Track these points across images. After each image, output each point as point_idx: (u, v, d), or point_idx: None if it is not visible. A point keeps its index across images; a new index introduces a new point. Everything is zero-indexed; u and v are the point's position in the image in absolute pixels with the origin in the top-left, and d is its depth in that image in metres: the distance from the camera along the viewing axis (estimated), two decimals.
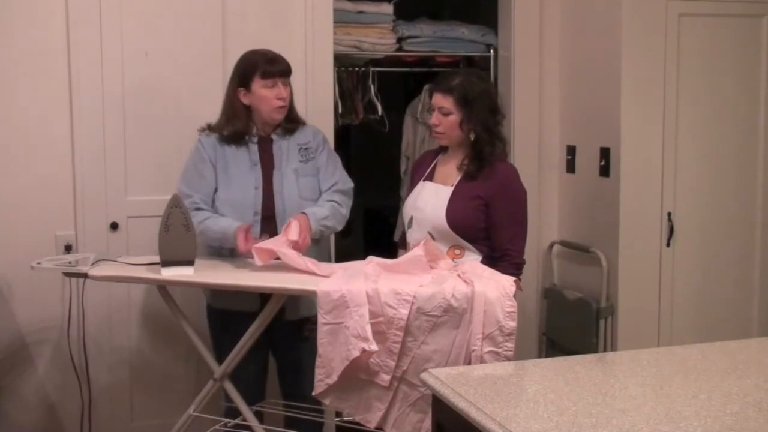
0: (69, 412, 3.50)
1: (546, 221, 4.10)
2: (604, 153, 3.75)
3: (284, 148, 3.13)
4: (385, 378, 2.62)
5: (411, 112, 4.55)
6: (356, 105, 4.35)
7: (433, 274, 2.75)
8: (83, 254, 3.21)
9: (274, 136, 3.14)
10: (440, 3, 4.77)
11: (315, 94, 3.64)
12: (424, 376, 2.05)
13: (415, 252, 2.84)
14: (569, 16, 4.03)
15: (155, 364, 3.61)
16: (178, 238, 2.85)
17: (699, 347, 2.25)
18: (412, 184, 3.15)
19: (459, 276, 2.70)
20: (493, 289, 2.58)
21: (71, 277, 3.06)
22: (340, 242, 3.40)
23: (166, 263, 2.86)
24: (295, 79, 3.18)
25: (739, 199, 3.87)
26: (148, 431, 3.58)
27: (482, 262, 2.90)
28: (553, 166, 4.11)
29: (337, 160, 3.25)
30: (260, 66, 3.05)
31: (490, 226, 2.92)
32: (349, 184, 3.23)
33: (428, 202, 2.98)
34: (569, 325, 3.93)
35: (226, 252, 3.07)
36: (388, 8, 4.12)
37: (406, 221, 3.06)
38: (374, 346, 2.56)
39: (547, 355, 4.04)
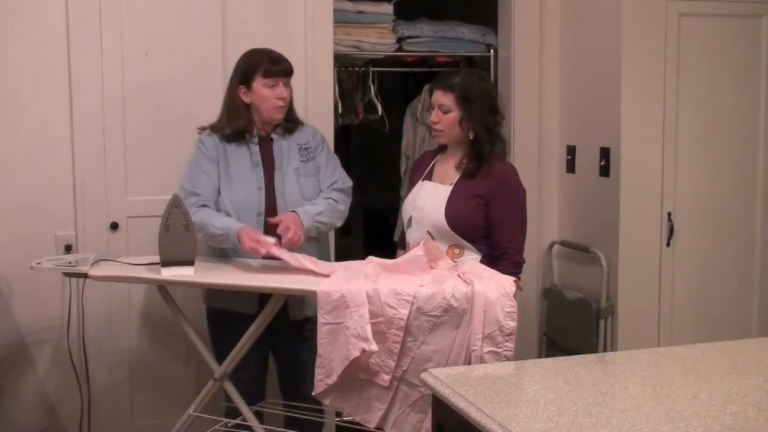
0: (69, 412, 3.50)
1: (546, 221, 4.10)
2: (604, 153, 3.75)
3: (284, 148, 3.13)
4: (385, 378, 2.62)
5: (411, 112, 4.54)
6: (356, 105, 4.35)
7: (433, 274, 2.75)
8: (83, 254, 3.21)
9: (274, 136, 3.14)
10: (440, 3, 4.76)
11: (315, 94, 3.64)
12: (424, 376, 2.05)
13: (415, 252, 2.84)
14: (569, 16, 4.03)
15: (155, 364, 3.61)
16: (178, 238, 2.85)
17: (699, 347, 2.25)
18: (412, 184, 3.15)
19: (459, 276, 2.70)
20: (493, 289, 2.58)
21: (71, 277, 3.06)
22: (340, 242, 3.40)
23: (166, 263, 2.86)
24: (295, 79, 3.18)
25: (739, 199, 3.87)
26: (148, 431, 3.58)
27: (482, 261, 2.90)
28: (553, 166, 4.11)
29: (336, 160, 3.26)
30: (263, 65, 3.05)
31: (490, 225, 2.92)
32: (348, 182, 3.23)
33: (427, 201, 2.98)
34: (569, 325, 3.93)
35: (227, 251, 3.07)
36: (388, 8, 4.12)
37: (406, 221, 3.06)
38: (374, 346, 2.56)
39: (547, 355, 4.04)
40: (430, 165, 3.10)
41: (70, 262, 3.08)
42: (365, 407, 2.69)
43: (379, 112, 4.35)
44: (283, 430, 3.13)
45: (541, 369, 2.16)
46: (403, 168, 4.57)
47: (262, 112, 3.09)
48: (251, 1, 3.60)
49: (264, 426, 3.08)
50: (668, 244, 3.77)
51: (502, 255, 2.91)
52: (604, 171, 3.76)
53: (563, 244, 4.07)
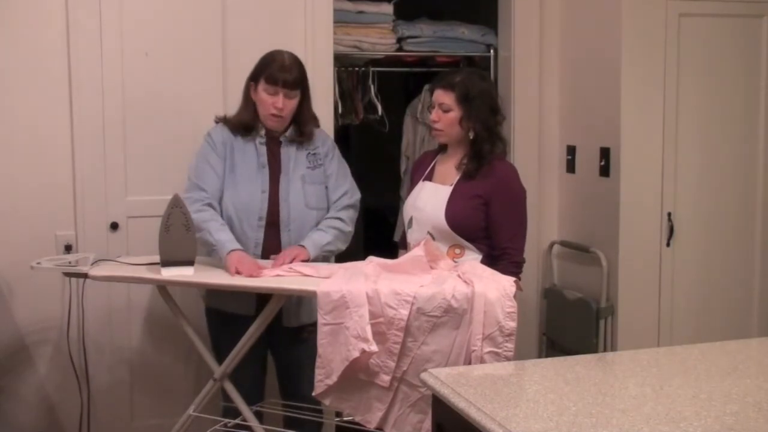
0: (69, 412, 3.50)
1: (546, 221, 4.10)
2: (604, 153, 3.75)
3: (292, 153, 3.10)
4: (385, 378, 2.62)
5: (411, 112, 4.55)
6: (356, 105, 4.35)
7: (434, 275, 2.75)
8: (83, 254, 3.21)
9: (282, 139, 3.11)
10: (440, 3, 4.77)
11: (315, 94, 3.61)
12: (424, 376, 2.05)
13: (415, 252, 2.84)
14: (569, 16, 4.03)
15: (155, 364, 3.61)
16: (178, 238, 2.85)
17: (699, 347, 2.25)
18: (412, 185, 3.15)
19: (459, 276, 2.70)
20: (493, 290, 2.57)
21: (71, 277, 3.06)
22: None
23: (166, 263, 2.86)
24: None
25: (739, 199, 3.87)
26: (148, 431, 3.58)
27: (482, 261, 2.90)
28: (553, 166, 4.11)
29: (347, 169, 3.22)
30: (269, 69, 3.01)
31: (490, 225, 2.92)
32: (357, 195, 3.21)
33: (428, 201, 2.98)
34: (569, 325, 3.93)
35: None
36: (388, 8, 4.12)
37: (406, 221, 3.06)
38: (374, 347, 2.56)
39: (547, 355, 4.04)
40: (431, 165, 3.10)
41: (70, 262, 3.08)
42: (365, 407, 2.69)
43: (379, 112, 4.36)
44: (283, 430, 3.13)
45: (541, 369, 2.16)
46: (403, 168, 4.57)
47: (260, 115, 3.08)
48: (251, 1, 3.60)
49: (264, 426, 3.08)
50: (668, 244, 3.77)
51: (502, 255, 2.91)
52: (604, 171, 3.76)
53: (563, 244, 4.07)
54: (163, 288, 2.99)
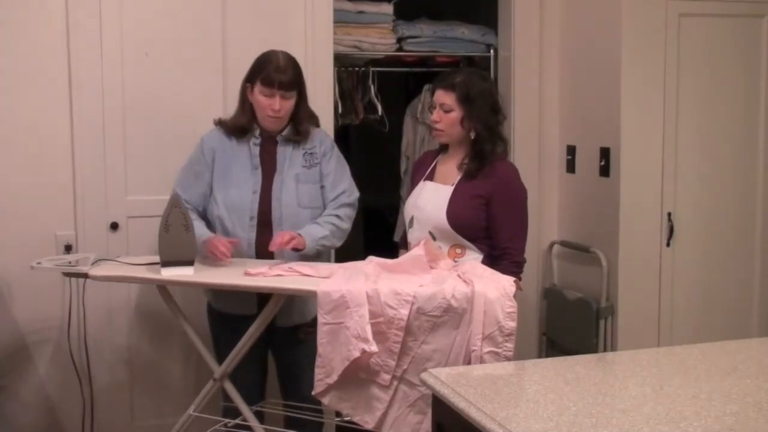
0: (69, 412, 3.50)
1: (546, 221, 4.10)
2: (604, 153, 3.75)
3: (288, 152, 3.10)
4: (385, 378, 2.62)
5: (411, 112, 4.55)
6: (356, 105, 4.35)
7: (433, 274, 2.75)
8: (83, 254, 3.21)
9: (278, 138, 3.12)
10: (440, 3, 4.77)
11: (315, 94, 3.62)
12: (424, 375, 2.05)
13: (415, 252, 2.84)
14: (569, 16, 4.03)
15: (155, 364, 3.61)
16: (178, 238, 2.85)
17: (699, 347, 2.25)
18: (413, 184, 3.15)
19: (459, 276, 2.70)
20: (493, 290, 2.57)
21: (71, 277, 3.06)
22: None
23: (166, 263, 2.86)
24: None
25: (739, 199, 3.87)
26: (148, 431, 3.58)
27: (483, 261, 2.90)
28: (553, 166, 4.11)
29: (346, 169, 3.21)
30: (264, 71, 3.00)
31: (491, 224, 2.92)
32: (355, 194, 3.21)
33: (429, 201, 2.98)
34: (569, 325, 3.93)
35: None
36: (388, 8, 4.12)
37: (407, 221, 3.06)
38: (374, 347, 2.56)
39: (547, 355, 4.04)
40: (432, 165, 3.10)
41: (70, 262, 3.08)
42: (365, 407, 2.68)
43: (379, 112, 4.36)
44: (283, 430, 3.13)
45: (541, 369, 2.16)
46: (403, 168, 4.57)
47: (257, 117, 3.08)
48: (251, 1, 3.60)
49: (264, 426, 3.08)
50: (668, 244, 3.77)
51: (502, 255, 2.92)
52: (604, 171, 3.76)
53: (563, 244, 4.07)
54: (163, 288, 2.99)
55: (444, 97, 2.96)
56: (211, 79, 3.53)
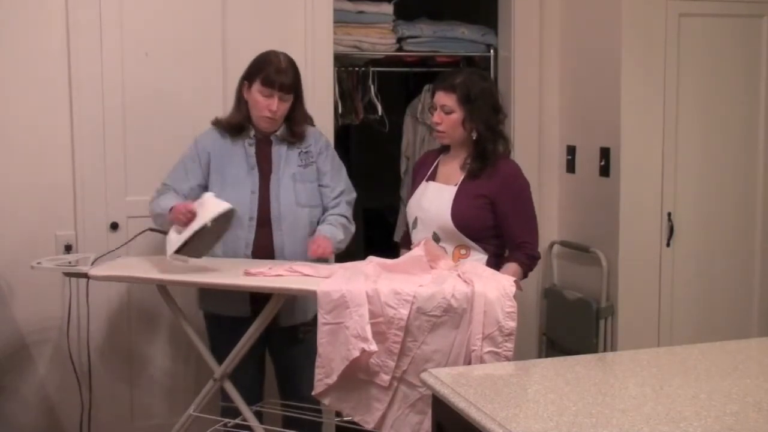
0: (69, 412, 3.50)
1: (546, 221, 4.09)
2: (604, 153, 3.75)
3: (283, 152, 3.11)
4: (384, 378, 2.62)
5: (411, 112, 4.55)
6: (356, 105, 4.35)
7: (433, 274, 2.75)
8: (83, 254, 3.21)
9: (273, 138, 3.12)
10: (440, 3, 4.76)
11: (315, 94, 3.64)
12: (424, 376, 2.05)
13: (415, 252, 2.84)
14: (569, 16, 4.03)
15: (155, 364, 3.61)
16: (206, 239, 2.86)
17: (699, 347, 2.25)
18: (414, 185, 3.14)
19: (459, 276, 2.70)
20: (493, 289, 2.57)
21: (71, 277, 3.06)
22: None
23: (178, 251, 2.85)
24: None
25: (739, 199, 3.87)
26: (148, 431, 3.58)
27: (488, 261, 2.90)
28: (553, 166, 4.11)
29: (342, 167, 3.22)
30: (265, 71, 3.00)
31: (501, 224, 2.92)
32: (353, 194, 3.23)
33: (432, 202, 2.97)
34: (569, 325, 3.93)
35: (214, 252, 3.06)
36: (388, 8, 4.12)
37: (411, 222, 3.05)
38: (374, 347, 2.56)
39: (547, 355, 4.04)
40: (433, 165, 3.09)
41: (70, 262, 3.08)
42: (365, 407, 2.68)
43: (379, 112, 4.36)
44: (283, 430, 3.13)
45: (541, 369, 2.16)
46: (403, 168, 4.57)
47: (252, 116, 3.08)
48: (251, 1, 3.60)
49: (264, 426, 3.08)
50: (668, 244, 3.77)
51: (517, 247, 2.91)
52: (604, 171, 3.76)
53: (563, 244, 4.07)
54: (163, 288, 2.99)
55: (444, 99, 2.95)
56: (211, 79, 3.53)
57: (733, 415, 1.74)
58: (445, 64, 4.35)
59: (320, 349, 2.65)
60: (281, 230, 3.06)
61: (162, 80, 3.51)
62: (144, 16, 3.48)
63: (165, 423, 3.31)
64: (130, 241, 3.22)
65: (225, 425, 3.07)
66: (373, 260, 2.85)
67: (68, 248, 3.43)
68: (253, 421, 3.00)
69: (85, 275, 2.94)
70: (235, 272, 2.88)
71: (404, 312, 2.58)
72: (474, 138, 2.95)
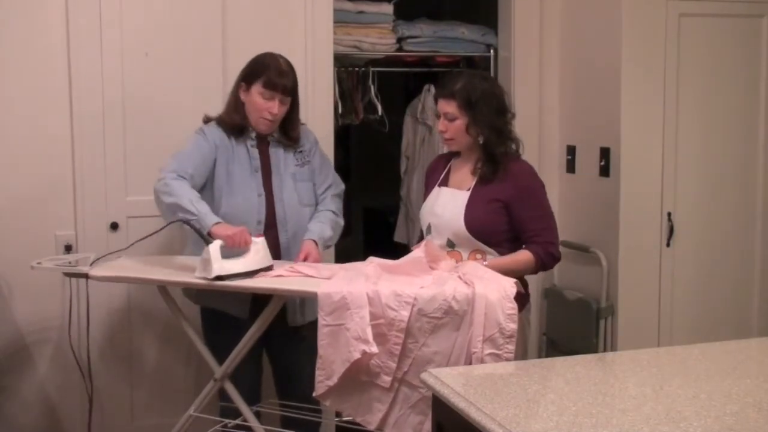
0: (69, 412, 3.50)
1: None
2: (604, 153, 3.75)
3: (281, 153, 3.11)
4: (385, 379, 2.62)
5: (411, 112, 4.55)
6: (356, 105, 4.35)
7: (434, 276, 2.75)
8: (83, 254, 3.21)
9: (270, 139, 3.12)
10: (440, 3, 4.77)
11: (315, 94, 3.64)
12: (424, 376, 2.05)
13: (416, 253, 2.84)
14: (569, 16, 4.03)
15: (155, 364, 3.61)
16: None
17: (699, 347, 2.25)
18: (427, 190, 3.08)
19: (460, 277, 2.69)
20: (493, 291, 2.57)
21: (71, 277, 3.06)
22: (340, 242, 3.39)
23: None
24: None
25: (739, 199, 3.87)
26: (148, 431, 3.58)
27: None
28: (553, 166, 4.11)
29: (329, 161, 3.26)
30: (267, 73, 2.99)
31: (518, 227, 2.87)
32: (342, 185, 3.24)
33: (446, 208, 2.92)
34: (569, 325, 3.93)
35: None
36: (388, 8, 4.12)
37: (424, 228, 3.00)
38: (374, 349, 2.56)
39: (547, 355, 4.04)
40: (445, 170, 3.05)
41: (70, 262, 3.08)
42: (366, 408, 2.68)
43: (379, 112, 4.36)
44: (283, 430, 3.13)
45: (541, 369, 2.16)
46: (403, 168, 4.58)
47: (250, 117, 3.07)
48: (251, 1, 3.60)
49: (264, 426, 3.07)
50: (668, 244, 3.77)
51: (536, 242, 2.86)
52: (604, 171, 3.76)
53: (563, 244, 4.04)
54: (163, 288, 2.99)
55: (446, 107, 2.88)
56: (211, 79, 3.53)
57: (733, 415, 1.74)
58: (445, 64, 4.35)
59: (321, 351, 2.64)
60: (287, 231, 3.06)
61: (162, 80, 3.51)
62: (144, 16, 3.48)
63: (165, 423, 3.31)
64: (158, 231, 2.96)
65: (225, 425, 3.07)
66: (373, 261, 2.85)
67: (68, 248, 3.44)
68: (253, 422, 3.00)
69: (85, 275, 2.94)
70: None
71: (405, 314, 2.57)
72: (481, 142, 2.90)
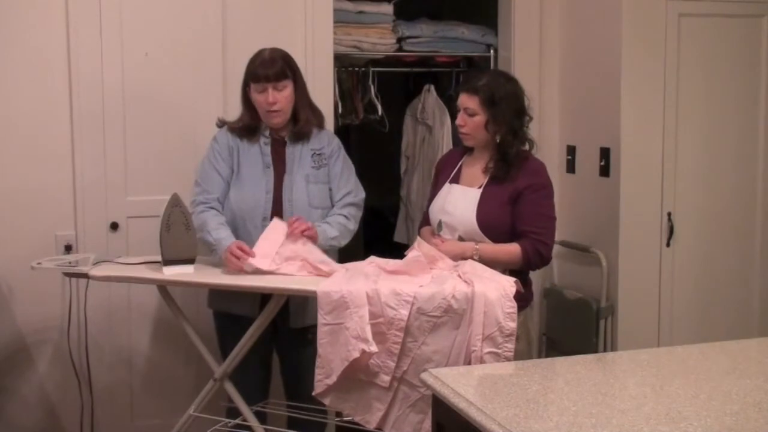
0: (69, 413, 3.50)
1: None
2: (604, 153, 3.75)
3: (297, 153, 3.11)
4: (385, 379, 2.62)
5: (411, 112, 4.55)
6: (356, 105, 4.36)
7: (434, 275, 2.75)
8: (83, 254, 3.21)
9: (287, 139, 3.12)
10: (440, 3, 4.77)
11: (315, 94, 3.62)
12: (424, 376, 2.05)
13: (415, 253, 2.84)
14: (569, 16, 4.03)
15: (155, 364, 3.61)
16: (178, 237, 2.86)
17: (699, 347, 2.25)
18: (437, 186, 3.09)
19: (459, 276, 2.70)
20: (493, 290, 2.57)
21: (71, 277, 3.06)
22: None
23: (167, 262, 2.87)
24: None
25: (738, 199, 3.87)
26: (148, 431, 3.58)
27: None
28: (553, 166, 4.09)
29: (351, 169, 3.22)
30: (252, 69, 3.03)
31: (516, 220, 2.87)
32: (361, 194, 3.22)
33: (457, 205, 2.93)
34: (569, 325, 3.93)
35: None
36: (388, 8, 4.12)
37: (435, 225, 3.01)
38: (374, 347, 2.56)
39: (547, 355, 4.04)
40: (457, 166, 3.06)
41: (70, 262, 3.08)
42: (365, 407, 2.69)
43: (379, 112, 4.36)
44: (284, 430, 3.13)
45: (541, 369, 2.16)
46: (403, 168, 4.58)
47: (261, 116, 3.08)
48: (251, 1, 3.60)
49: (264, 426, 3.08)
50: (668, 244, 3.77)
51: (528, 238, 2.86)
52: (604, 171, 3.76)
53: (563, 244, 4.07)
54: (163, 288, 2.99)
55: (468, 101, 2.92)
56: (211, 79, 3.53)
57: (733, 415, 1.74)
58: (445, 64, 4.35)
59: (320, 350, 2.65)
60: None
61: (162, 80, 3.51)
62: (144, 16, 3.48)
63: (165, 423, 3.31)
64: None
65: (225, 425, 3.07)
66: (373, 260, 2.85)
67: (68, 248, 3.44)
68: (253, 421, 3.00)
69: (86, 275, 2.94)
70: (236, 272, 2.89)
71: (404, 312, 2.58)
72: (497, 141, 2.92)
